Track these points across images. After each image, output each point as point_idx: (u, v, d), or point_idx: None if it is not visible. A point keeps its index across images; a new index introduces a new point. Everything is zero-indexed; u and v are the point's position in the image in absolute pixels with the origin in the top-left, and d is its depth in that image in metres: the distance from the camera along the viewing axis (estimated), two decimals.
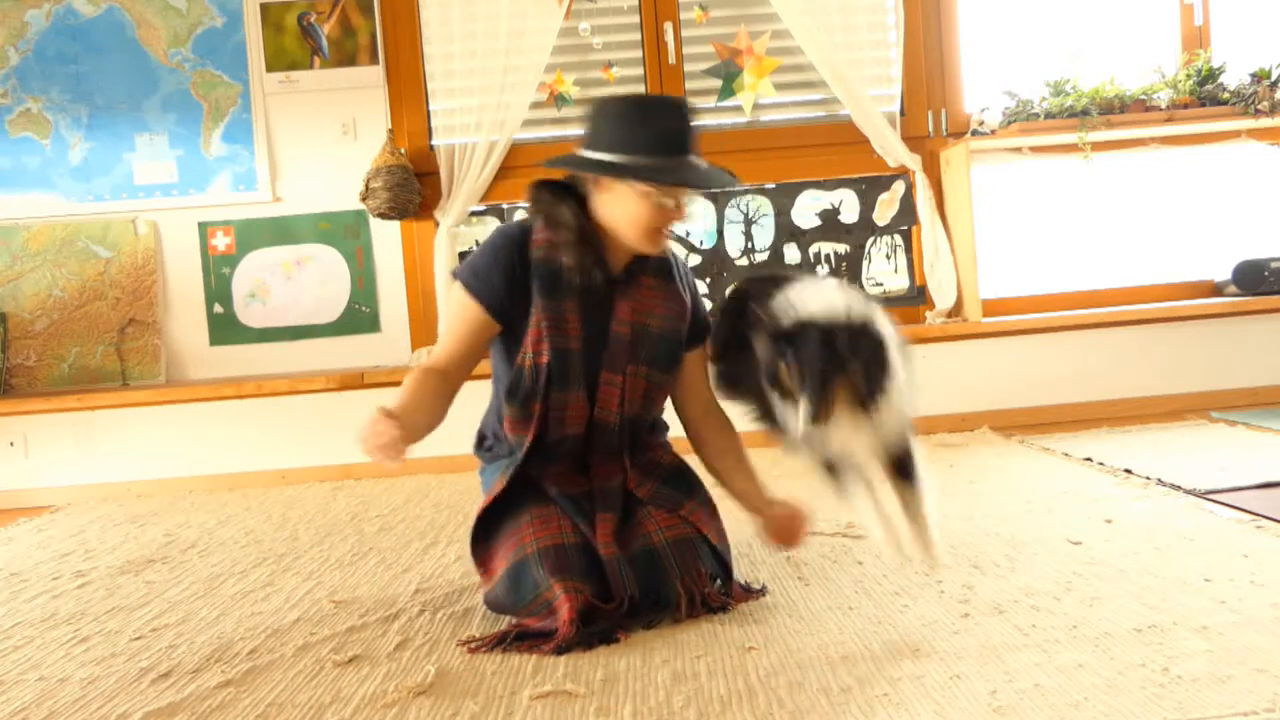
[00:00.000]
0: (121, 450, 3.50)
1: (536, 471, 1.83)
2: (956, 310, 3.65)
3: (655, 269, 1.88)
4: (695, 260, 3.70)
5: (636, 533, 1.76)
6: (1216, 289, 3.81)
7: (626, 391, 1.82)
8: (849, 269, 3.74)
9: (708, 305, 2.08)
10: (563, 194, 1.83)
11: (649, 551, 1.72)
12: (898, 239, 3.75)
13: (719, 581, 1.78)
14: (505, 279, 1.81)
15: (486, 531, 1.83)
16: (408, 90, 3.69)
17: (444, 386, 1.82)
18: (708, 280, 3.72)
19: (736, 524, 1.91)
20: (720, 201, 3.71)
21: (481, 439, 1.98)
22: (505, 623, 1.71)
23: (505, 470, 1.83)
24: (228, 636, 1.80)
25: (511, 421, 1.83)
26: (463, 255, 3.64)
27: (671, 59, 3.71)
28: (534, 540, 1.72)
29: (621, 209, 1.77)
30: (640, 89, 3.71)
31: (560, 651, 1.57)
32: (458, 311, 1.85)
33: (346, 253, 3.70)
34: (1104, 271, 3.83)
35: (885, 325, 1.58)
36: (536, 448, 1.82)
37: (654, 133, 1.72)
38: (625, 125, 1.74)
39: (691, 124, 1.76)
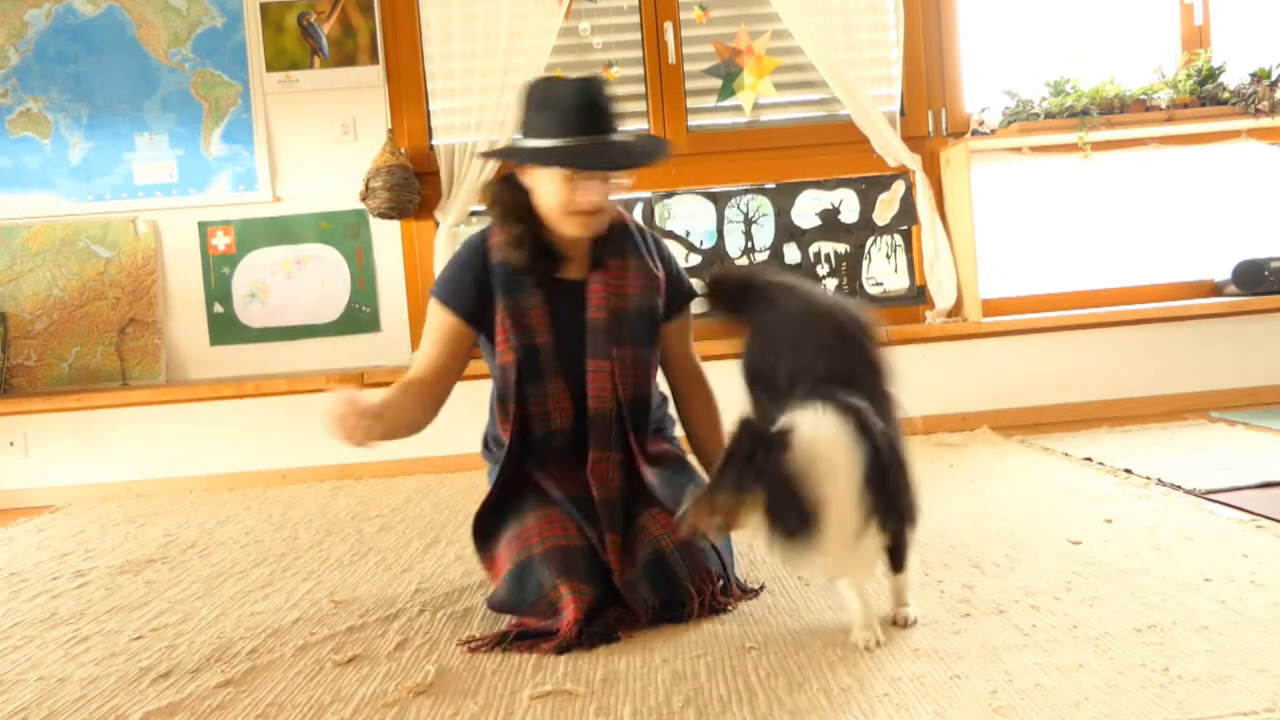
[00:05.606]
0: (121, 450, 3.51)
1: (536, 472, 1.83)
2: (956, 310, 3.64)
3: (620, 249, 1.86)
4: (695, 260, 3.70)
5: (643, 538, 1.74)
6: (1216, 289, 3.81)
7: (618, 375, 1.81)
8: (849, 269, 3.74)
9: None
10: (515, 189, 1.82)
11: (658, 555, 1.71)
12: (898, 239, 3.75)
13: (723, 582, 1.77)
14: (474, 285, 1.83)
15: (488, 532, 1.84)
16: (408, 90, 3.69)
17: (424, 394, 1.85)
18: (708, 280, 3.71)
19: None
20: (720, 202, 3.71)
21: (485, 442, 2.01)
22: (505, 622, 1.71)
23: (496, 475, 1.85)
24: (228, 636, 1.80)
25: (500, 422, 1.87)
26: None
27: (671, 59, 3.71)
28: (540, 541, 1.72)
29: (543, 194, 1.77)
30: (640, 89, 3.72)
31: (561, 651, 1.57)
32: (433, 321, 1.88)
33: (347, 253, 3.70)
34: (1104, 271, 3.83)
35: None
36: (525, 446, 1.82)
37: (560, 114, 1.70)
38: (537, 108, 1.73)
39: (605, 100, 1.73)
